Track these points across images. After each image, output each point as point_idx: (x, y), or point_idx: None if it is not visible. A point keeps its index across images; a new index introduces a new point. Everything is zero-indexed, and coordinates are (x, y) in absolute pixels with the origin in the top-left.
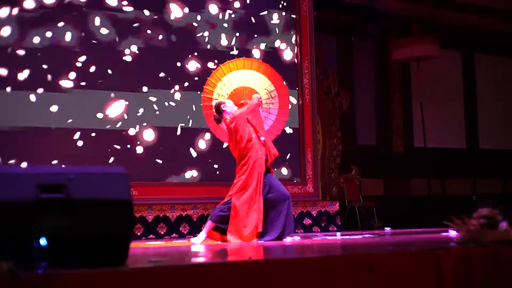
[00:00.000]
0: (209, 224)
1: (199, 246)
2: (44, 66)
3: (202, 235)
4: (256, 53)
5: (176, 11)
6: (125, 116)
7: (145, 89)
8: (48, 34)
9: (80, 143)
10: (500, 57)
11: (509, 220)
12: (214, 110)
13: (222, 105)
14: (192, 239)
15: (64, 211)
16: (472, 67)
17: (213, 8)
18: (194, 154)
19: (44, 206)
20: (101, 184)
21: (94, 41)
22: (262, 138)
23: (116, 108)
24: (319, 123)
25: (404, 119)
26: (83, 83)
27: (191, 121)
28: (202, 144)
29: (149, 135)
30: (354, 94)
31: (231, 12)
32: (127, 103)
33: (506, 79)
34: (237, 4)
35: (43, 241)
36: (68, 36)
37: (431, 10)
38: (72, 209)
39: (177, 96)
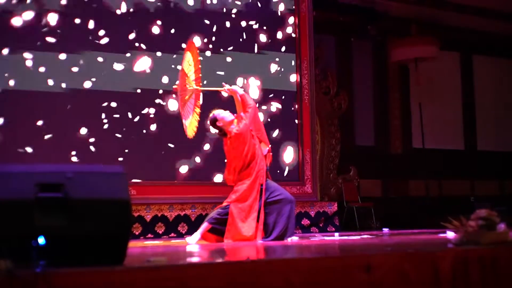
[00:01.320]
0: (205, 226)
1: (194, 246)
2: None
3: (197, 235)
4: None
5: None
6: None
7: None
8: None
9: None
10: (498, 59)
11: (507, 222)
12: (210, 125)
13: (217, 122)
14: (187, 239)
15: (62, 210)
16: (471, 68)
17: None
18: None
19: (43, 205)
20: (100, 183)
21: None
22: (267, 148)
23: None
24: (317, 123)
25: (403, 120)
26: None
27: None
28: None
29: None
30: (353, 94)
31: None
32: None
33: (504, 80)
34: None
35: (41, 240)
36: None
37: (430, 12)
38: (71, 208)
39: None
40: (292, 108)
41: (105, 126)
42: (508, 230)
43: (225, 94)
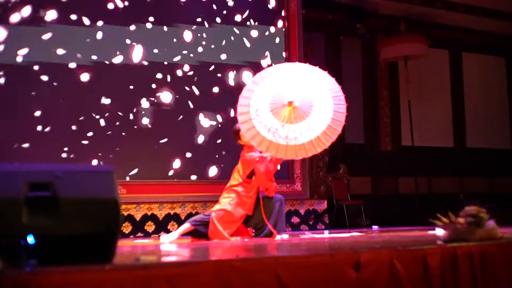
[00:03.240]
0: (186, 227)
1: (169, 245)
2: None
3: (174, 235)
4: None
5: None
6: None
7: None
8: None
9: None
10: (487, 56)
11: (496, 218)
12: (233, 134)
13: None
14: (162, 236)
15: (51, 209)
16: (460, 66)
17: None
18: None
19: (32, 204)
20: (88, 182)
21: None
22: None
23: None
24: None
25: (392, 117)
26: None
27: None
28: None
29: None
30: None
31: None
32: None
33: (493, 78)
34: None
35: (30, 239)
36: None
37: (419, 9)
38: (60, 207)
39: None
40: None
41: (95, 124)
42: (497, 227)
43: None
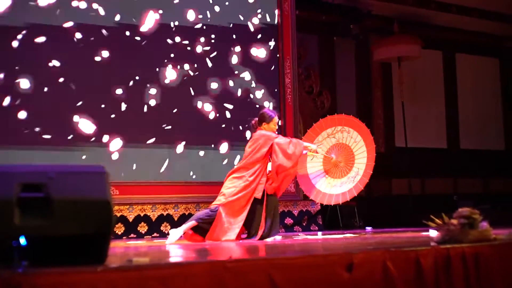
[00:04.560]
0: (191, 223)
1: (174, 244)
2: None
3: (180, 231)
4: (237, 50)
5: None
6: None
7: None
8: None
9: None
10: (481, 57)
11: (489, 220)
12: (261, 118)
13: (265, 120)
14: (172, 231)
15: (44, 210)
16: (454, 67)
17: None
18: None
19: (24, 205)
20: (81, 183)
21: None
22: (268, 169)
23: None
24: (300, 122)
25: (385, 119)
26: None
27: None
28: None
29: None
30: (336, 93)
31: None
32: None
33: (487, 79)
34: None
35: (22, 240)
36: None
37: (412, 10)
38: (52, 208)
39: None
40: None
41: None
42: (490, 228)
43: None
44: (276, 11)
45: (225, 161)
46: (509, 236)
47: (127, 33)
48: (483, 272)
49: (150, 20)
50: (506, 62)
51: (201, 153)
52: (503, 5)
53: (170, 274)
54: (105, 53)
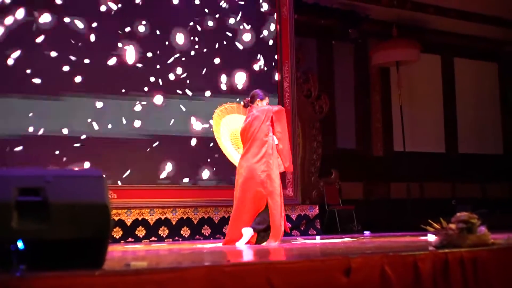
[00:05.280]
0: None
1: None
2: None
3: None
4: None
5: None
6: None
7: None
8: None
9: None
10: (480, 61)
11: (487, 224)
12: (252, 98)
13: (257, 100)
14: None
15: (41, 214)
16: (452, 71)
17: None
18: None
19: (22, 209)
20: (79, 187)
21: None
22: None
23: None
24: (299, 126)
25: (384, 123)
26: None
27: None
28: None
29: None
30: (334, 97)
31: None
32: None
33: (485, 83)
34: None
35: (20, 244)
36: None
37: (411, 15)
38: (50, 212)
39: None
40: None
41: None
42: (488, 233)
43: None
44: (275, 16)
45: None
46: (507, 240)
47: None
48: (481, 276)
49: None
50: (505, 66)
51: None
52: (502, 9)
53: (168, 278)
54: None
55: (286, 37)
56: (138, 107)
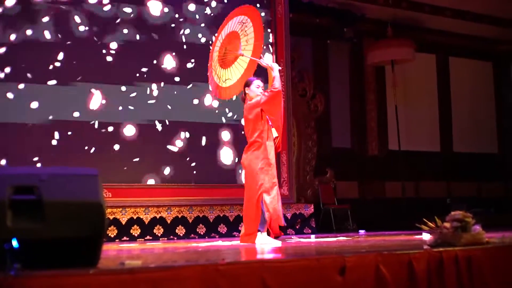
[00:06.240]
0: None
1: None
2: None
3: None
4: None
5: (154, 9)
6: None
7: (123, 88)
8: (28, 32)
9: (57, 141)
10: (474, 60)
11: (482, 223)
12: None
13: (247, 87)
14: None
15: (36, 213)
16: (447, 70)
17: (191, 6)
18: (173, 149)
19: (16, 208)
20: (73, 185)
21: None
22: (275, 135)
23: (95, 104)
24: (294, 125)
25: (379, 122)
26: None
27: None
28: (179, 143)
29: (129, 131)
30: (329, 96)
31: (209, 12)
32: (103, 101)
33: (480, 82)
34: (213, 4)
35: (14, 243)
36: (47, 34)
37: (406, 14)
38: (44, 210)
39: (155, 93)
40: None
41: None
42: (483, 231)
43: (263, 63)
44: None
45: None
46: (502, 239)
47: None
48: (476, 275)
49: None
50: (500, 65)
51: None
52: (497, 9)
53: (163, 277)
54: None
55: (281, 36)
56: (131, 108)
